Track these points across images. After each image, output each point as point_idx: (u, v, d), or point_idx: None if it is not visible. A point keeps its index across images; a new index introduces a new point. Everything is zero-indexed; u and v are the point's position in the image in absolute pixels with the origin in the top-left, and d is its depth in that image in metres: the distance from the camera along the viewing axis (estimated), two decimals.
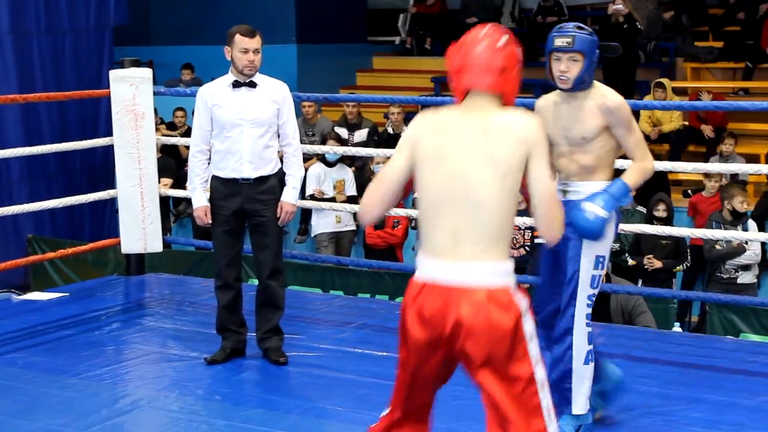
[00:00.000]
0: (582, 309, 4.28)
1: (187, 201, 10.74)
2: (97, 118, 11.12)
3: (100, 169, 10.74)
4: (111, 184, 7.16)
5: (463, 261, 3.04)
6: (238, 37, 5.30)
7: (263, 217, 5.38)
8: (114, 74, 7.02)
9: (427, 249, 3.11)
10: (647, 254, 8.53)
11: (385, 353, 5.61)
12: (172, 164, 10.80)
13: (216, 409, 4.85)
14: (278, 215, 5.40)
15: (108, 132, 7.19)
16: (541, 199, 3.10)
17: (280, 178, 5.44)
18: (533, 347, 3.07)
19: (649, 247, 8.53)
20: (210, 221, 5.42)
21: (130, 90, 6.92)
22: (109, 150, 7.17)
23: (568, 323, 4.28)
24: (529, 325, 3.06)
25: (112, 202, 7.24)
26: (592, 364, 4.31)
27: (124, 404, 4.89)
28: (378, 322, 6.32)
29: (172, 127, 12.29)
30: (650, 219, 8.51)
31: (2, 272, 7.16)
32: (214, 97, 5.35)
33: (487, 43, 3.17)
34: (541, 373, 3.08)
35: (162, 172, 7.97)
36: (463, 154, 3.09)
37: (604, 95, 4.26)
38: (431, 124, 3.20)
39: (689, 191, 10.32)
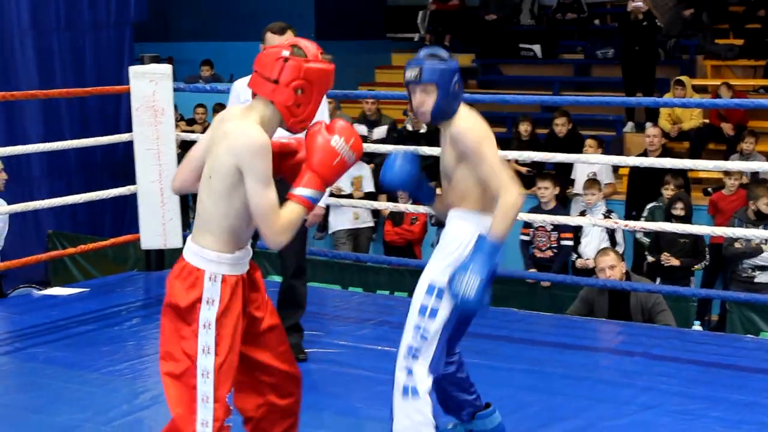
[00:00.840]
0: (406, 339, 3.89)
1: None
2: (117, 114, 11.15)
3: (120, 165, 10.78)
4: (131, 180, 7.17)
5: (189, 239, 3.34)
6: (268, 34, 5.31)
7: None
8: (134, 70, 7.03)
9: None
10: (665, 252, 8.51)
11: None
12: None
13: None
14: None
15: (129, 128, 7.21)
16: (253, 213, 3.22)
17: None
18: (205, 335, 3.24)
19: (668, 246, 8.51)
20: None
21: (150, 86, 6.94)
22: (129, 146, 7.19)
23: (397, 351, 3.94)
24: (208, 313, 3.23)
25: (133, 198, 7.25)
26: (419, 400, 3.88)
27: (144, 399, 4.90)
28: (397, 319, 6.29)
29: (191, 123, 12.32)
30: (668, 217, 8.48)
31: (23, 267, 7.19)
32: (248, 93, 5.34)
33: (271, 51, 3.33)
34: (204, 362, 3.23)
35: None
36: (208, 151, 3.34)
37: (453, 123, 3.89)
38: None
39: (709, 189, 10.29)
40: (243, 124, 3.25)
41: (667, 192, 8.92)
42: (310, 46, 3.33)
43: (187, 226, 6.32)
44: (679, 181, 9.01)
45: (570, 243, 8.72)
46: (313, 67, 3.29)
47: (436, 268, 3.90)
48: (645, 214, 9.06)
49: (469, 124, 3.87)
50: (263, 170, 3.17)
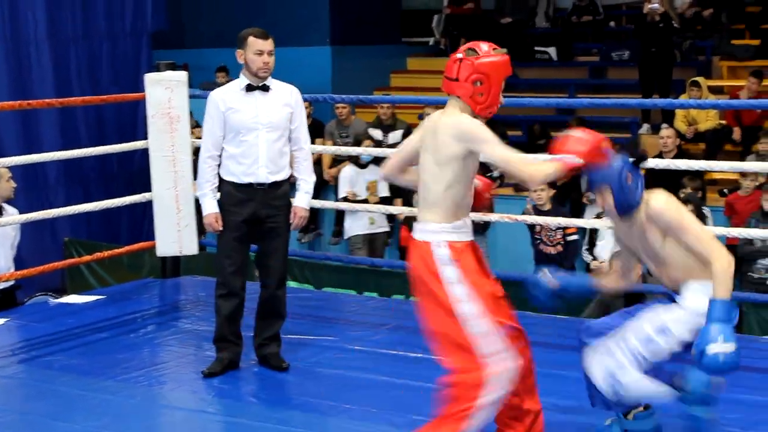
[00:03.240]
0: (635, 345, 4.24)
1: None
2: (134, 122, 11.19)
3: (137, 172, 10.82)
4: (147, 187, 7.18)
5: (417, 221, 3.98)
6: (251, 39, 5.29)
7: (275, 223, 5.36)
8: (149, 78, 7.04)
9: None
10: None
11: (420, 355, 5.60)
12: None
13: (252, 411, 4.87)
14: (291, 221, 5.40)
15: (145, 136, 7.23)
16: (506, 169, 3.95)
17: (291, 184, 5.43)
18: (455, 288, 3.82)
19: None
20: (221, 228, 5.38)
21: (166, 93, 6.95)
22: (145, 154, 7.20)
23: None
24: (448, 271, 3.83)
25: (149, 206, 7.27)
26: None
27: (159, 406, 4.92)
28: (413, 323, 6.24)
29: None
30: None
31: (39, 275, 7.21)
32: (227, 102, 5.30)
33: (451, 56, 3.96)
34: (464, 309, 3.79)
35: (197, 174, 8.00)
36: (424, 145, 4.01)
37: (644, 207, 4.21)
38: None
39: (725, 190, 10.25)
40: (453, 117, 3.88)
41: (683, 195, 8.89)
42: (482, 44, 3.94)
43: (202, 232, 6.30)
44: (697, 183, 8.97)
45: (576, 237, 8.71)
46: (484, 61, 3.88)
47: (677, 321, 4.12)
48: None
49: (662, 202, 4.14)
50: (490, 136, 3.81)
